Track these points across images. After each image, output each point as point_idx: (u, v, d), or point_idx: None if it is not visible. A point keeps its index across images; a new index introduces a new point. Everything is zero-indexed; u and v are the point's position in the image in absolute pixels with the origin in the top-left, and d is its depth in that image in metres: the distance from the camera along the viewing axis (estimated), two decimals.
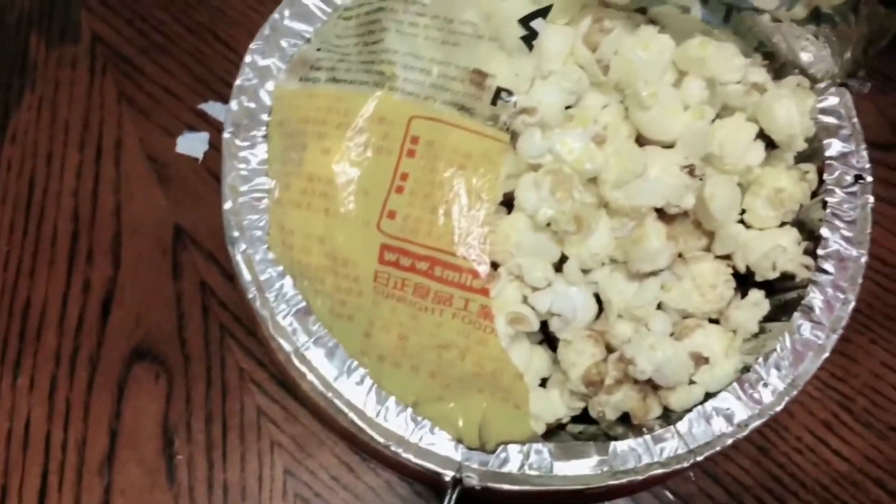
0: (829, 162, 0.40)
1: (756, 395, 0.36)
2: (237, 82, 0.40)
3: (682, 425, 0.35)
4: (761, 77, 0.38)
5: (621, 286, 0.37)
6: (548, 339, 0.39)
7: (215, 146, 0.50)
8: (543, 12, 0.37)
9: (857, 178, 0.39)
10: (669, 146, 0.37)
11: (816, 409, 0.47)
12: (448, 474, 0.35)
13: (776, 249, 0.38)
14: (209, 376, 0.45)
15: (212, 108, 0.52)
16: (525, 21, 0.37)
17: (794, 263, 0.38)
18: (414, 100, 0.37)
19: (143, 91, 0.53)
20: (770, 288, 0.39)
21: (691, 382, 0.37)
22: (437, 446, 0.35)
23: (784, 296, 0.39)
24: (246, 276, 0.37)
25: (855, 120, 0.41)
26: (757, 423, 0.36)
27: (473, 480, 0.34)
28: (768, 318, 0.38)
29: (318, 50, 0.40)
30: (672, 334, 0.38)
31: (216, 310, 0.47)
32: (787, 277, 0.38)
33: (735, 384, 0.36)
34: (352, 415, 0.35)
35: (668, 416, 0.37)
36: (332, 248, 0.36)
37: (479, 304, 0.35)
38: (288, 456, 0.44)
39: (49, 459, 0.43)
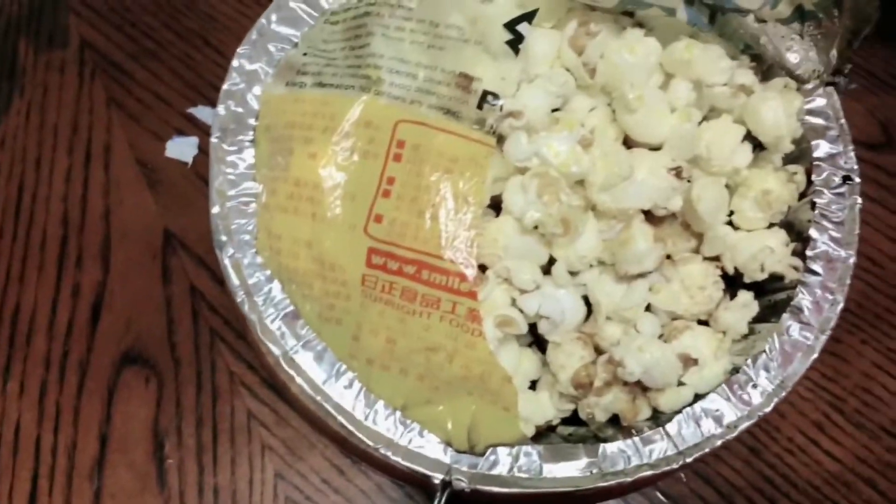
0: (816, 163, 0.40)
1: (745, 397, 0.36)
2: (224, 87, 0.40)
3: (671, 427, 0.35)
4: (748, 79, 0.38)
5: (609, 288, 0.37)
6: (537, 341, 0.39)
7: (205, 151, 0.50)
8: (529, 16, 0.37)
9: (845, 178, 0.39)
10: (656, 148, 0.37)
11: (808, 410, 0.47)
12: (437, 477, 0.34)
13: (764, 251, 0.38)
14: (199, 380, 0.45)
15: (201, 113, 0.52)
16: (511, 25, 0.37)
17: (783, 265, 0.38)
18: (400, 104, 0.37)
19: (133, 96, 0.53)
20: (759, 289, 0.39)
21: (680, 384, 0.37)
22: (427, 449, 0.35)
23: (773, 297, 0.39)
24: (234, 280, 0.37)
25: (842, 121, 0.41)
26: (746, 424, 0.36)
27: (463, 483, 0.34)
28: (757, 320, 0.38)
29: (305, 54, 0.40)
30: (661, 336, 0.38)
31: (206, 314, 0.47)
32: (775, 279, 0.38)
33: (724, 385, 0.36)
34: (341, 418, 0.35)
35: (658, 418, 0.37)
36: (320, 253, 0.36)
37: (467, 307, 0.35)
38: (278, 459, 0.44)
39: (39, 464, 0.43)
